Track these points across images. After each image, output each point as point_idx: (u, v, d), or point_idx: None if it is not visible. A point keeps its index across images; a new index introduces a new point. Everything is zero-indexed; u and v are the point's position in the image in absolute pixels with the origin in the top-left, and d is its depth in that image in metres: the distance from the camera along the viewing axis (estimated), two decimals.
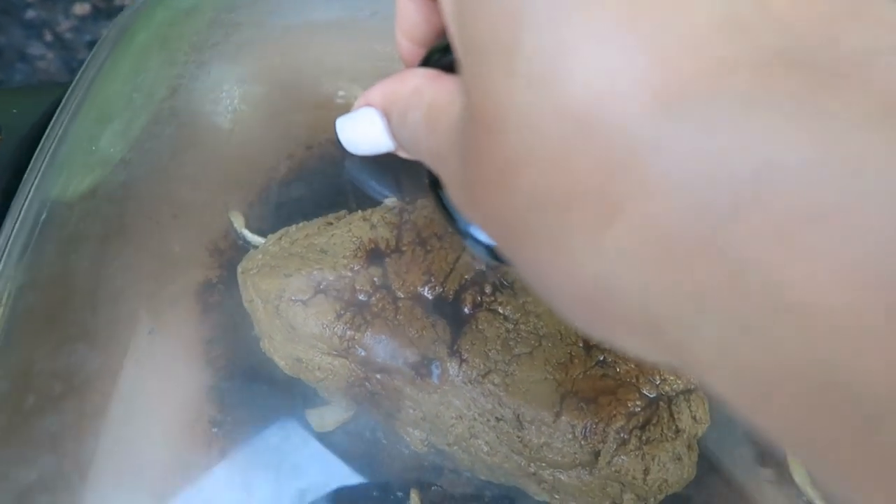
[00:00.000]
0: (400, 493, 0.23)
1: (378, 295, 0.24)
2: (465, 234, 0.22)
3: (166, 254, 0.23)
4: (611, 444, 0.22)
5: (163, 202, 0.26)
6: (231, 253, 0.26)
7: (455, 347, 0.23)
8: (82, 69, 0.27)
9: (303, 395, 0.24)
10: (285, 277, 0.24)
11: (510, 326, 0.24)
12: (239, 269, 0.25)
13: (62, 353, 0.20)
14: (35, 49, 0.47)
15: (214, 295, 0.25)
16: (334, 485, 0.22)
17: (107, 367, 0.20)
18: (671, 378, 0.23)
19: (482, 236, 0.22)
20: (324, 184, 0.26)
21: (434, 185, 0.22)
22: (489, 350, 0.23)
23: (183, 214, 0.25)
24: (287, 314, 0.24)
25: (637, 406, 0.22)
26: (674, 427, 0.22)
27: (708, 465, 0.22)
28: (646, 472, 0.21)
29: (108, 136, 0.25)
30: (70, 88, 0.27)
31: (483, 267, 0.25)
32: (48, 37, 0.48)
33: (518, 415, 0.22)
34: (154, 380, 0.20)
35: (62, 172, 0.25)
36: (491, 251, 0.22)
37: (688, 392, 0.23)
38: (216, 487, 0.21)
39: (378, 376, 0.23)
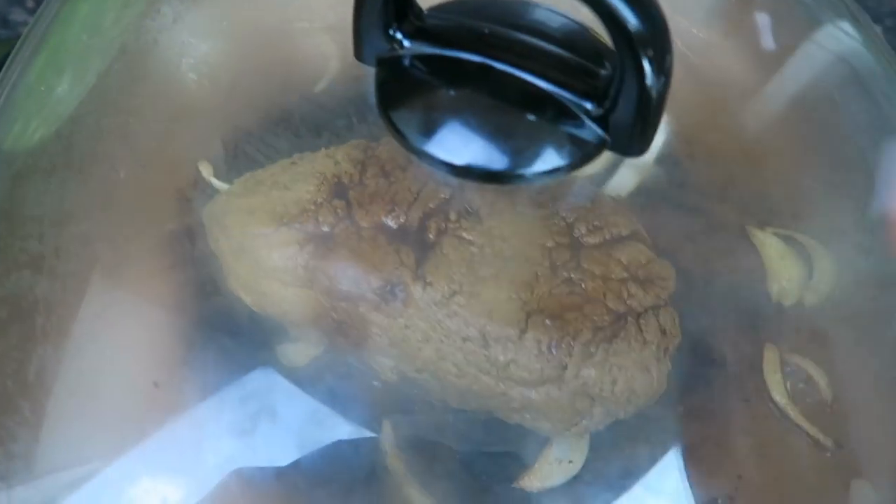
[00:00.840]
0: (372, 425, 0.22)
1: (341, 226, 0.24)
2: (421, 153, 0.21)
3: (129, 203, 0.22)
4: (577, 357, 0.21)
5: (125, 152, 0.25)
6: (199, 202, 0.25)
7: (419, 272, 0.23)
8: (37, 14, 0.27)
9: (272, 333, 0.24)
10: (248, 214, 0.24)
11: (475, 250, 0.23)
12: (204, 212, 0.25)
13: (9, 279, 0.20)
14: (17, 16, 0.48)
15: (181, 243, 0.25)
16: (306, 420, 0.22)
17: (58, 296, 0.20)
18: (640, 293, 0.23)
19: (439, 153, 0.21)
20: (293, 134, 0.25)
21: (384, 105, 0.22)
22: (454, 273, 0.23)
23: (148, 165, 0.25)
24: (251, 249, 0.24)
25: (604, 321, 0.22)
26: (641, 339, 0.22)
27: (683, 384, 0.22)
28: (613, 383, 0.21)
29: (64, 83, 0.25)
30: (24, 34, 0.26)
31: (447, 195, 0.25)
32: (30, 3, 0.49)
33: (484, 334, 0.22)
34: (113, 316, 0.20)
35: (15, 121, 0.25)
36: (450, 167, 0.21)
37: (656, 308, 0.23)
38: (179, 430, 0.21)
39: (343, 304, 0.23)
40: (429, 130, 0.21)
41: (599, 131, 0.22)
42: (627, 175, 0.23)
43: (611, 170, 0.23)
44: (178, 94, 0.26)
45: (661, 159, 0.23)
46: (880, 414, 0.20)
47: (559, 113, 0.22)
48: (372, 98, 0.23)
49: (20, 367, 0.19)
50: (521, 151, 0.21)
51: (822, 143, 0.25)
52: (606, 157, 0.22)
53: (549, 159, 0.21)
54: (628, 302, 0.23)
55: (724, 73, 0.26)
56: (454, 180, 0.22)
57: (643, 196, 0.22)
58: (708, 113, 0.25)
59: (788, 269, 0.22)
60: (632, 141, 0.22)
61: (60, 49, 0.27)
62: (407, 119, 0.22)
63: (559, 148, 0.22)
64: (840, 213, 0.23)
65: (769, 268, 0.22)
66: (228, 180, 0.23)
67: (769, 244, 0.23)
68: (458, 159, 0.21)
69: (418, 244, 0.23)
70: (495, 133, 0.22)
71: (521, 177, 0.21)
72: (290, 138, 0.23)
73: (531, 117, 0.22)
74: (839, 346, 0.21)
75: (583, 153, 0.22)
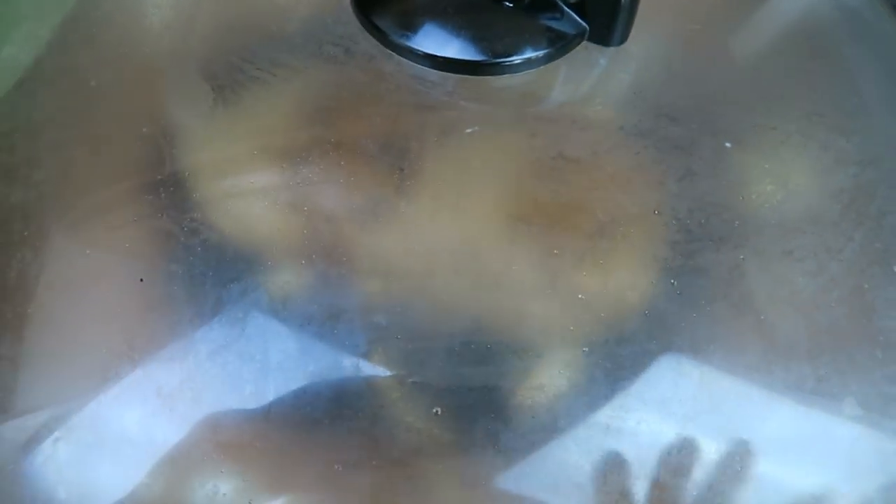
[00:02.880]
0: (359, 355, 0.21)
1: (321, 145, 0.23)
2: (401, 48, 0.21)
3: (103, 109, 0.22)
4: (567, 265, 0.21)
5: (83, 117, 0.23)
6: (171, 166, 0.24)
7: (403, 188, 0.23)
8: None
9: (252, 262, 0.23)
10: (227, 137, 0.24)
11: (459, 164, 0.23)
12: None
13: None
14: None
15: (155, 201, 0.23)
16: (289, 353, 0.21)
17: (33, 203, 0.19)
18: (626, 201, 0.23)
19: (419, 47, 0.21)
20: (270, 59, 0.24)
21: (360, 5, 0.22)
22: (438, 187, 0.22)
23: (109, 130, 0.23)
24: (229, 173, 0.23)
25: (592, 228, 0.22)
26: (630, 246, 0.22)
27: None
28: (604, 290, 0.21)
29: (15, 40, 0.24)
30: None
31: (428, 110, 0.24)
32: None
33: (472, 246, 0.22)
34: (93, 220, 0.19)
35: None
36: (431, 60, 0.21)
37: (643, 215, 0.23)
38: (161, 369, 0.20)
39: (326, 225, 0.23)
40: (407, 27, 0.21)
41: (578, 20, 0.21)
42: (610, 83, 0.23)
43: (593, 78, 0.23)
44: (143, 51, 0.24)
45: (641, 64, 0.23)
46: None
47: (536, 2, 0.21)
48: (347, 4, 0.22)
49: (1, 273, 0.18)
50: (499, 42, 0.21)
51: (795, 36, 0.25)
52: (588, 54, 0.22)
53: (529, 49, 0.21)
54: (615, 210, 0.22)
55: None
56: (429, 90, 0.22)
57: (626, 103, 0.22)
58: (684, 6, 0.24)
59: (765, 157, 0.22)
60: (610, 30, 0.22)
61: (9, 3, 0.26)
62: (384, 17, 0.21)
63: (538, 38, 0.21)
64: (817, 98, 0.23)
65: (753, 168, 0.22)
66: (202, 88, 0.22)
67: (744, 134, 0.22)
68: (437, 51, 0.21)
69: (400, 160, 0.23)
70: (473, 25, 0.21)
71: (501, 66, 0.21)
72: (264, 43, 0.22)
73: (508, 8, 0.22)
74: (824, 223, 0.21)
75: (561, 43, 0.21)
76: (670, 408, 0.18)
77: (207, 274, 0.18)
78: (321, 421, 0.17)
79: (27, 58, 0.23)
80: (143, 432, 0.17)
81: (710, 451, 0.18)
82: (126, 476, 0.17)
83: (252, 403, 0.17)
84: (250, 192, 0.20)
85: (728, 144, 0.21)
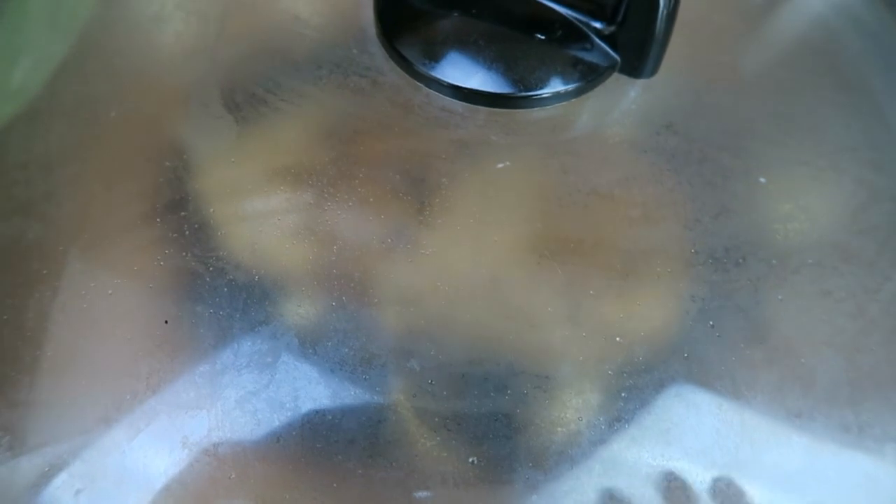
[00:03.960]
0: (379, 385, 0.21)
1: (340, 173, 0.23)
2: (426, 78, 0.21)
3: (121, 142, 0.21)
4: (591, 296, 0.21)
5: (113, 93, 0.23)
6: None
7: (424, 217, 0.22)
8: None
9: (271, 292, 0.22)
10: (242, 165, 0.23)
11: (481, 193, 0.23)
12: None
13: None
14: None
15: (178, 238, 0.22)
16: (308, 383, 0.20)
17: (52, 239, 0.19)
18: (651, 230, 0.22)
19: (445, 77, 0.20)
20: (292, 67, 0.23)
21: (386, 33, 0.21)
22: (460, 216, 0.22)
23: (139, 102, 0.22)
24: (246, 202, 0.23)
25: (616, 258, 0.21)
26: (654, 275, 0.21)
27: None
28: (628, 319, 0.20)
29: (25, 62, 0.23)
30: None
31: (451, 138, 0.24)
32: None
33: (494, 276, 0.21)
34: (113, 257, 0.19)
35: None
36: (457, 91, 0.21)
37: (668, 243, 0.23)
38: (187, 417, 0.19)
39: (346, 255, 0.22)
40: (433, 56, 0.21)
41: (609, 51, 0.21)
42: (641, 116, 0.22)
43: (623, 111, 0.22)
44: (156, 66, 0.24)
45: (672, 97, 0.22)
46: None
47: (567, 34, 0.21)
48: (372, 29, 0.22)
49: (18, 313, 0.18)
50: (529, 74, 0.21)
51: (825, 69, 0.25)
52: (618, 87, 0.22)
53: (558, 82, 0.21)
54: (648, 247, 0.22)
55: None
56: (457, 122, 0.21)
57: (658, 137, 0.22)
58: (714, 39, 0.24)
59: (799, 192, 0.22)
60: (641, 62, 0.21)
61: (21, 22, 0.25)
62: (410, 46, 0.21)
63: (567, 71, 0.21)
64: (848, 132, 0.23)
65: (787, 204, 0.22)
66: (225, 119, 0.22)
67: (777, 169, 0.22)
68: (465, 83, 0.20)
69: (422, 189, 0.22)
70: (502, 57, 0.21)
71: (529, 99, 0.21)
72: (288, 72, 0.22)
73: (539, 39, 0.21)
74: (861, 261, 0.20)
75: (592, 76, 0.21)
76: (706, 454, 0.18)
77: (237, 299, 0.18)
78: (354, 472, 0.16)
79: (37, 84, 0.23)
80: (170, 484, 0.16)
81: (749, 497, 0.18)
82: None
83: (283, 452, 0.16)
84: (275, 226, 0.19)
85: (763, 180, 0.21)
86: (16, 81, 0.23)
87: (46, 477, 0.16)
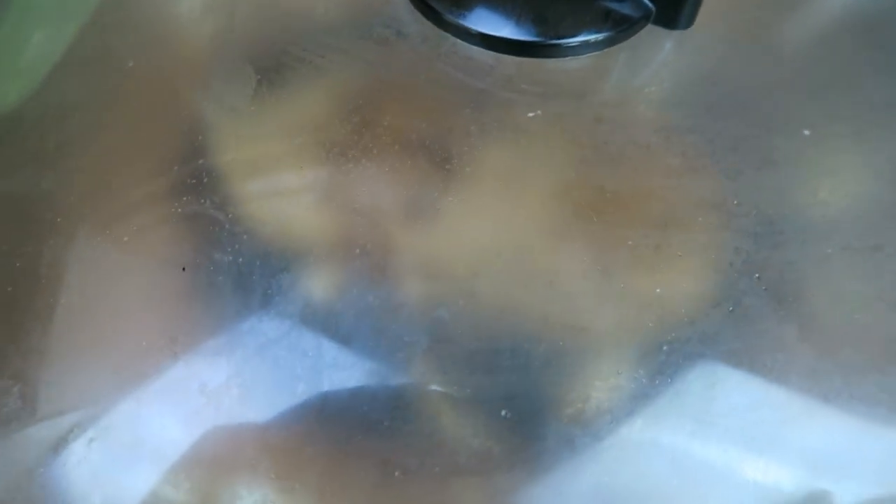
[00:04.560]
0: (400, 362, 0.20)
1: (361, 139, 0.22)
2: (453, 26, 0.20)
3: (137, 94, 0.20)
4: (622, 264, 0.20)
5: (120, 101, 0.22)
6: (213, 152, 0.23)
7: (448, 183, 0.21)
8: None
9: (290, 262, 0.21)
10: (263, 131, 0.22)
11: (507, 159, 0.22)
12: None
13: (13, 176, 0.18)
14: None
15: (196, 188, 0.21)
16: (328, 358, 0.20)
17: (65, 189, 0.18)
18: (686, 197, 0.21)
19: (472, 25, 0.20)
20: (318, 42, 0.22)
21: None
22: (485, 183, 0.21)
23: (157, 57, 0.22)
24: (266, 169, 0.22)
25: (650, 226, 0.20)
26: (689, 244, 0.20)
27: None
28: (661, 289, 0.19)
29: (38, 37, 0.23)
30: None
31: (475, 99, 0.23)
32: None
33: (521, 245, 0.20)
34: (127, 208, 0.18)
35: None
36: (485, 39, 0.20)
37: (704, 211, 0.22)
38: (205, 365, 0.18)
39: (367, 223, 0.21)
40: (460, 4, 0.20)
41: (644, 1, 0.20)
42: (677, 67, 0.21)
43: (659, 62, 0.21)
44: (178, 41, 0.23)
45: (709, 49, 0.21)
46: None
47: None
48: None
49: (32, 261, 0.17)
50: (560, 23, 0.20)
51: (865, 25, 0.23)
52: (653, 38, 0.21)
53: (592, 31, 0.20)
54: (680, 189, 0.21)
55: None
56: (485, 72, 0.20)
57: (696, 88, 0.21)
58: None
59: (844, 145, 0.21)
60: (677, 12, 0.20)
61: None
62: None
63: (602, 20, 0.20)
64: (892, 89, 0.22)
65: (833, 157, 0.21)
66: (246, 71, 0.21)
67: (820, 122, 0.21)
68: (494, 31, 0.20)
69: (449, 139, 0.22)
70: (534, 5, 0.20)
71: (559, 48, 0.20)
72: (311, 24, 0.21)
73: None
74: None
75: (625, 25, 0.20)
76: (754, 408, 0.17)
77: (254, 264, 0.17)
78: (380, 423, 0.15)
79: (56, 50, 0.22)
80: (186, 433, 0.15)
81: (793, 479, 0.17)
82: (166, 480, 0.15)
83: (303, 403, 0.15)
84: (298, 178, 0.19)
85: (806, 132, 0.20)
86: (31, 55, 0.23)
87: (59, 425, 0.16)
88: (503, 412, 0.16)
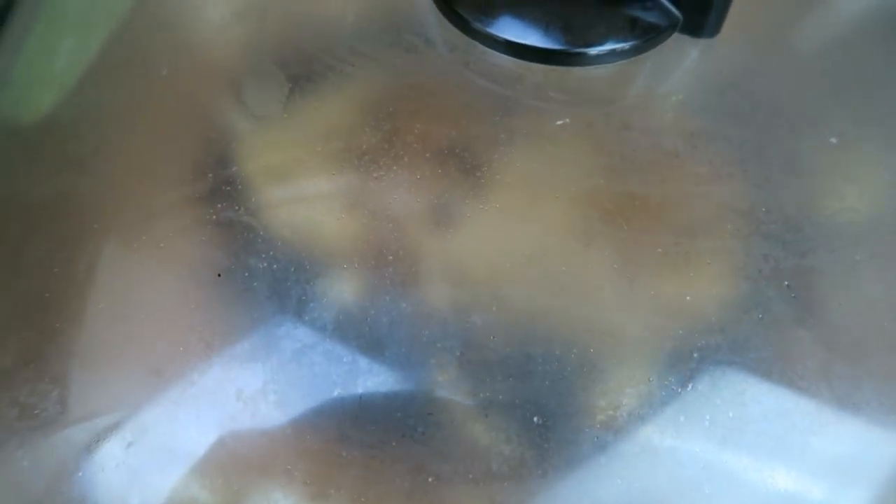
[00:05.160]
0: (424, 367, 0.20)
1: (387, 146, 0.22)
2: (479, 33, 0.20)
3: (172, 102, 0.21)
4: (646, 271, 0.20)
5: (154, 107, 0.22)
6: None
7: (473, 190, 0.21)
8: None
9: (314, 269, 0.21)
10: (289, 139, 0.23)
11: (532, 164, 0.22)
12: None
13: (51, 181, 0.19)
14: None
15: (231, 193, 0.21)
16: (351, 364, 0.19)
17: (103, 194, 0.18)
18: (710, 205, 0.21)
19: (499, 32, 0.20)
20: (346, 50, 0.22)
21: None
22: (510, 188, 0.21)
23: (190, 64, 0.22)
24: (291, 175, 0.22)
25: (672, 233, 0.20)
26: (712, 252, 0.20)
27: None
28: (684, 297, 0.20)
29: (68, 44, 0.23)
30: None
31: (499, 108, 0.23)
32: None
33: (545, 250, 0.20)
34: (162, 213, 0.18)
35: (13, 91, 0.22)
36: (511, 46, 0.20)
37: (727, 219, 0.22)
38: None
39: (391, 229, 0.21)
40: (489, 13, 0.20)
41: (671, 9, 0.20)
42: (704, 75, 0.21)
43: (685, 70, 0.21)
44: (205, 50, 0.22)
45: (735, 56, 0.21)
46: None
47: None
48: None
49: (69, 266, 0.17)
50: (587, 31, 0.20)
51: (893, 31, 0.23)
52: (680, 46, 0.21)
53: (619, 39, 0.20)
54: (708, 196, 0.21)
55: None
56: (513, 80, 0.20)
57: (723, 96, 0.21)
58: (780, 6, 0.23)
59: (872, 152, 0.21)
60: (704, 21, 0.20)
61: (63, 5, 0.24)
62: (465, 4, 0.20)
63: (627, 28, 0.20)
64: None
65: (861, 165, 0.20)
66: (277, 78, 0.21)
67: (847, 129, 0.21)
68: (522, 40, 0.20)
69: (478, 146, 0.22)
70: (560, 13, 0.20)
71: (586, 57, 0.20)
72: (340, 31, 0.21)
73: None
74: None
75: (652, 34, 0.20)
76: (785, 415, 0.17)
77: (289, 270, 0.17)
78: (414, 429, 0.16)
79: (85, 58, 0.23)
80: (222, 437, 0.16)
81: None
82: (202, 484, 0.15)
83: (338, 409, 0.16)
84: (328, 189, 0.19)
85: (833, 140, 0.20)
86: (61, 63, 0.23)
87: (97, 430, 0.16)
88: (535, 418, 0.16)
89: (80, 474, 0.16)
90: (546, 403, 0.16)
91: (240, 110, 0.20)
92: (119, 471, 0.16)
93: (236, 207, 0.18)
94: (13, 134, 0.20)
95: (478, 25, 0.20)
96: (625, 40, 0.20)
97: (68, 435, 0.16)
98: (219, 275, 0.17)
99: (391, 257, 0.18)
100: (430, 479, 0.15)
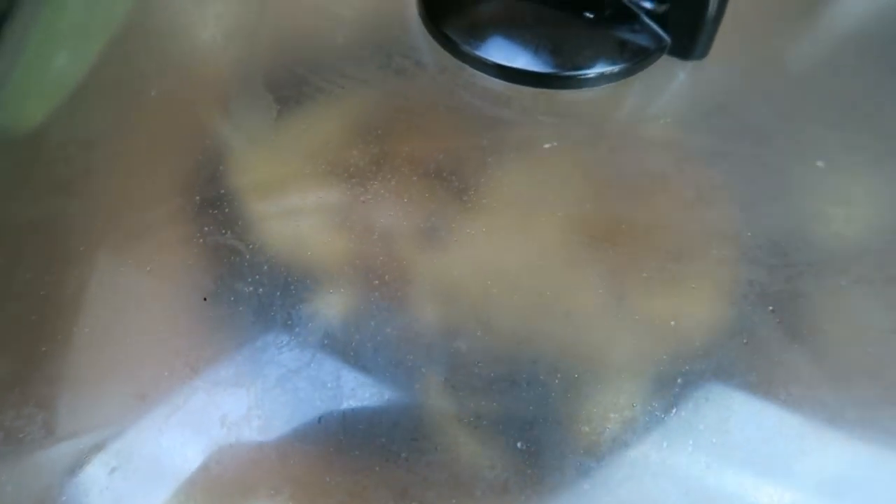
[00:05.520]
0: (413, 384, 0.20)
1: (376, 164, 0.22)
2: (471, 58, 0.20)
3: (160, 121, 0.21)
4: (635, 289, 0.20)
5: (156, 73, 0.22)
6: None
7: (462, 207, 0.21)
8: None
9: (302, 286, 0.21)
10: (278, 156, 0.23)
11: (521, 182, 0.22)
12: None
13: (40, 203, 0.19)
14: None
15: (217, 216, 0.22)
16: (339, 380, 0.20)
17: (91, 216, 0.18)
18: (701, 222, 0.21)
19: (490, 56, 0.20)
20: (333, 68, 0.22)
21: (429, 14, 0.21)
22: (505, 196, 0.21)
23: (180, 84, 0.22)
24: (281, 192, 0.22)
25: (663, 250, 0.21)
26: (702, 270, 0.20)
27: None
28: (674, 315, 0.20)
29: (63, 55, 0.23)
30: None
31: (488, 127, 0.23)
32: None
33: (534, 267, 0.20)
34: (152, 234, 0.18)
35: (7, 101, 0.22)
36: (502, 70, 0.20)
37: (718, 237, 0.22)
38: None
39: (380, 247, 0.21)
40: (478, 36, 0.20)
41: (659, 32, 0.20)
42: (691, 98, 0.22)
43: (673, 93, 0.22)
44: (197, 60, 0.23)
45: (722, 79, 0.22)
46: None
47: (617, 13, 0.20)
48: (415, 9, 0.22)
49: (56, 289, 0.17)
50: (576, 55, 0.20)
51: (880, 53, 0.24)
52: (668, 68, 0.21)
53: (606, 62, 0.20)
54: (694, 220, 0.21)
55: None
56: (502, 103, 0.21)
57: (709, 119, 0.21)
58: (766, 21, 0.23)
59: (859, 176, 0.21)
60: (692, 43, 0.21)
61: (59, 16, 0.25)
62: (454, 26, 0.21)
63: (616, 51, 0.20)
64: None
65: (846, 189, 0.21)
66: (266, 99, 0.21)
67: (834, 153, 0.21)
68: (510, 63, 0.20)
69: (466, 169, 0.22)
70: (548, 36, 0.20)
71: (575, 80, 0.20)
72: (330, 53, 0.21)
73: (587, 19, 0.21)
74: None
75: (641, 56, 0.20)
76: (768, 441, 0.17)
77: (274, 294, 0.17)
78: (398, 454, 0.16)
79: (79, 70, 0.23)
80: (206, 462, 0.16)
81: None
82: None
83: (322, 433, 0.16)
84: (317, 205, 0.19)
85: (820, 164, 0.20)
86: (55, 74, 0.23)
87: (82, 454, 0.16)
88: (519, 444, 0.16)
89: (64, 499, 0.16)
90: (530, 428, 0.16)
91: (229, 131, 0.21)
92: (103, 495, 0.16)
93: (223, 231, 0.18)
94: (2, 153, 0.20)
95: (467, 48, 0.20)
96: (614, 63, 0.20)
97: (53, 458, 0.16)
98: (205, 299, 0.17)
99: (377, 281, 0.18)
100: None
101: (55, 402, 0.16)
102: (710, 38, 0.20)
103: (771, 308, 0.18)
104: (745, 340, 0.17)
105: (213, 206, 0.19)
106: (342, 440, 0.16)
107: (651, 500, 0.16)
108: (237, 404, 0.16)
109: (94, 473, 0.16)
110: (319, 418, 0.16)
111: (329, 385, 0.16)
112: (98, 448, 0.16)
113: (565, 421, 0.17)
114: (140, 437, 0.16)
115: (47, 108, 0.22)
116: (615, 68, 0.20)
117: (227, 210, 0.19)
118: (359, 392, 0.16)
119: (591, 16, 0.20)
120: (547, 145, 0.19)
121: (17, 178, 0.19)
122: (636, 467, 0.16)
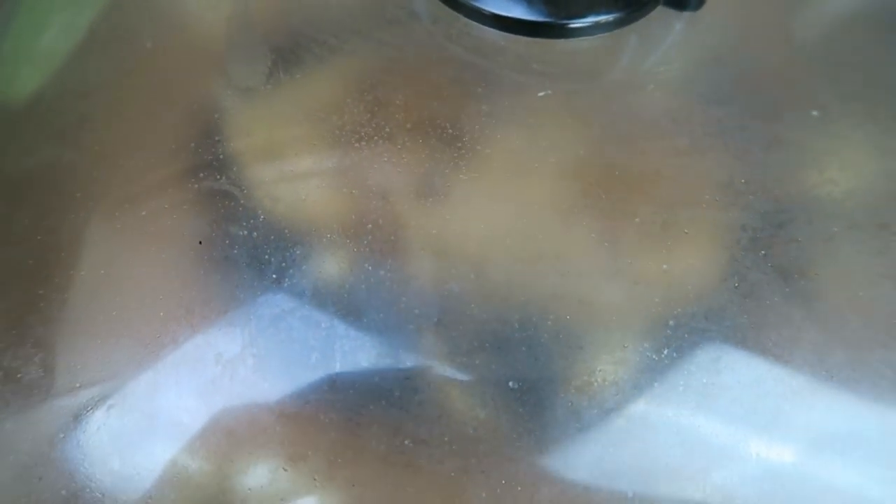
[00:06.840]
0: (410, 345, 0.20)
1: (372, 121, 0.22)
2: (466, 7, 0.20)
3: (157, 73, 0.21)
4: (630, 245, 0.20)
5: (152, 24, 0.22)
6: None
7: (459, 163, 0.22)
8: None
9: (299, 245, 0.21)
10: (275, 114, 0.23)
11: (517, 138, 0.22)
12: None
13: (36, 153, 0.19)
14: None
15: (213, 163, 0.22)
16: (336, 341, 0.20)
17: (87, 165, 0.19)
18: (696, 180, 0.21)
19: (489, 4, 0.20)
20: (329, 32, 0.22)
21: None
22: (495, 162, 0.21)
23: (177, 32, 0.22)
24: (277, 150, 0.22)
25: (658, 208, 0.21)
26: (698, 227, 0.20)
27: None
28: (669, 272, 0.20)
29: (56, 22, 0.23)
30: None
31: (485, 82, 0.23)
32: None
33: (530, 223, 0.20)
34: (149, 182, 0.19)
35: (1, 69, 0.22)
36: (497, 20, 0.20)
37: (713, 193, 0.22)
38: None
39: (377, 203, 0.22)
40: None
41: None
42: (687, 49, 0.21)
43: (669, 44, 0.21)
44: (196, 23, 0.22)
45: (719, 30, 0.22)
46: None
47: None
48: None
49: (53, 234, 0.17)
50: (571, 3, 0.20)
51: (879, 7, 0.23)
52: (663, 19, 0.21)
53: (603, 11, 0.20)
54: (688, 168, 0.21)
55: None
56: (496, 52, 0.21)
57: (706, 69, 0.21)
58: None
59: (854, 125, 0.21)
60: None
61: None
62: None
63: (611, 0, 0.20)
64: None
65: (842, 138, 0.21)
66: (261, 50, 0.21)
67: (830, 102, 0.21)
68: (507, 12, 0.20)
69: (461, 118, 0.22)
70: None
71: (569, 29, 0.20)
72: (324, 4, 0.21)
73: None
74: None
75: (636, 6, 0.20)
76: (758, 384, 0.17)
77: (269, 238, 0.17)
78: (391, 393, 0.16)
79: (76, 33, 0.23)
80: (202, 402, 0.16)
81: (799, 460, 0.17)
82: (183, 447, 0.16)
83: (316, 373, 0.16)
84: (310, 161, 0.19)
85: (815, 113, 0.20)
86: (47, 45, 0.23)
87: (79, 393, 0.16)
88: (511, 383, 0.16)
89: (63, 437, 0.16)
90: (522, 369, 0.16)
91: (224, 85, 0.21)
92: (100, 434, 0.16)
93: (218, 177, 0.18)
94: None
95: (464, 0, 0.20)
96: (608, 12, 0.20)
97: (51, 400, 0.16)
98: (200, 242, 0.17)
99: (371, 226, 0.18)
100: (406, 442, 0.16)
101: (53, 344, 0.17)
102: None
103: (763, 253, 0.18)
104: (736, 284, 0.17)
105: (209, 154, 0.19)
106: (335, 380, 0.16)
107: (642, 440, 0.16)
108: (232, 344, 0.16)
109: (93, 413, 0.16)
110: (313, 357, 0.16)
111: (322, 326, 0.16)
112: (96, 389, 0.16)
113: (557, 361, 0.17)
114: (136, 376, 0.16)
115: (42, 76, 0.22)
116: (610, 17, 0.20)
117: (222, 157, 0.19)
118: (352, 332, 0.16)
119: None
120: (541, 94, 0.19)
121: (13, 130, 0.19)
122: (627, 407, 0.17)
